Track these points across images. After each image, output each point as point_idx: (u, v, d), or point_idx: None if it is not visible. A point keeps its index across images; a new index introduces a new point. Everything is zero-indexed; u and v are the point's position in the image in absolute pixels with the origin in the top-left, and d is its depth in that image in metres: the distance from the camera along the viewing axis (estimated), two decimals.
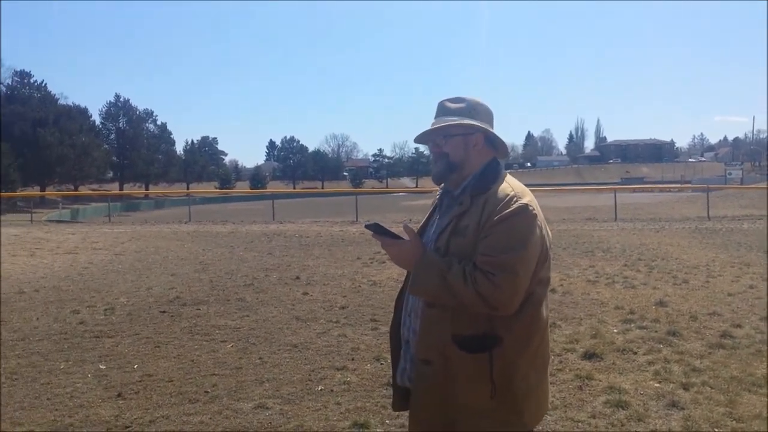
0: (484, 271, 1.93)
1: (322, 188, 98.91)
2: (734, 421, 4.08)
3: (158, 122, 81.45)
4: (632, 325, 6.75)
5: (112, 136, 74.60)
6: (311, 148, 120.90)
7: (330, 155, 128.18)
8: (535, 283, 2.04)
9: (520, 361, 2.03)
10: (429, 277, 2.01)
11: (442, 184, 2.26)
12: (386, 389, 4.73)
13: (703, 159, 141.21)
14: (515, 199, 2.02)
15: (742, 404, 4.37)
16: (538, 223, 2.03)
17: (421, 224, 2.32)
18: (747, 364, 5.30)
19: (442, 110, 2.20)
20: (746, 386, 4.73)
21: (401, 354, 2.25)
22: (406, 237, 2.12)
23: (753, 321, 6.81)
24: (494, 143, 2.21)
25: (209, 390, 4.87)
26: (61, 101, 63.49)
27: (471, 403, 2.03)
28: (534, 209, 2.03)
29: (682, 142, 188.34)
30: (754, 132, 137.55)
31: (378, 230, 2.11)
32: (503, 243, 1.96)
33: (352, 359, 5.67)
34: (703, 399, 4.50)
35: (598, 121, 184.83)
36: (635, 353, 5.70)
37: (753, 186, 44.62)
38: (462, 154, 2.16)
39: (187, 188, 79.45)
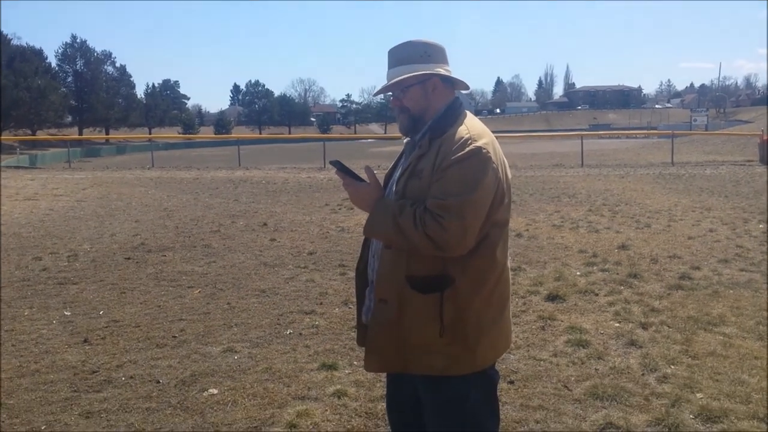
0: (434, 213, 1.94)
1: (289, 134, 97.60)
2: (690, 358, 4.23)
3: (117, 64, 78.86)
4: (595, 267, 6.90)
5: (70, 79, 71.74)
6: (277, 93, 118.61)
7: (297, 100, 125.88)
8: (489, 225, 2.04)
9: (473, 301, 2.06)
10: (382, 219, 2.03)
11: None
12: (354, 332, 4.77)
13: (670, 105, 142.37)
14: (470, 141, 2.01)
15: (697, 342, 4.53)
16: (493, 165, 2.01)
17: (388, 170, 2.32)
18: (704, 304, 5.48)
19: (395, 60, 2.17)
20: (702, 325, 4.90)
21: (366, 293, 2.28)
22: (367, 179, 2.15)
23: (711, 263, 7.02)
24: (451, 80, 2.20)
25: (177, 335, 4.87)
26: (15, 42, 60.88)
27: (422, 342, 2.07)
28: (488, 152, 2.01)
29: (650, 88, 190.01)
30: (720, 78, 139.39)
31: (341, 168, 2.14)
32: (454, 186, 1.95)
33: (321, 303, 5.71)
34: (660, 338, 4.65)
35: (567, 67, 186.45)
36: (597, 294, 5.85)
37: (717, 132, 45.36)
38: (423, 103, 2.16)
39: (149, 133, 77.54)
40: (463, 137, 2.02)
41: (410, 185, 2.07)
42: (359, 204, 2.14)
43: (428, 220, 1.93)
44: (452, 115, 2.13)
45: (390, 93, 2.23)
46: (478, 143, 2.01)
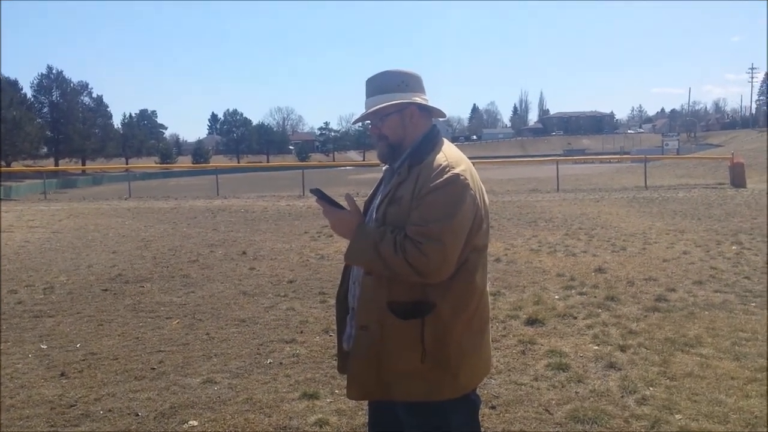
0: (414, 240, 1.98)
1: (268, 162, 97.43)
2: (668, 380, 4.28)
3: (94, 95, 78.29)
4: (573, 291, 6.97)
5: (45, 110, 71.05)
6: (255, 122, 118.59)
7: (275, 128, 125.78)
8: (468, 250, 2.08)
9: (454, 326, 2.09)
10: (363, 246, 2.06)
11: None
12: (335, 360, 4.76)
13: (642, 130, 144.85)
14: (448, 169, 2.06)
15: (675, 363, 4.59)
16: (470, 192, 2.06)
17: (368, 197, 2.36)
18: (680, 325, 5.56)
19: (373, 89, 2.22)
20: (679, 346, 4.96)
21: (347, 320, 2.30)
22: (347, 207, 2.17)
23: (686, 285, 7.13)
24: (428, 108, 2.25)
25: (156, 366, 4.81)
26: None
27: (403, 368, 2.09)
28: (466, 179, 2.07)
29: (622, 113, 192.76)
30: (690, 103, 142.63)
31: (321, 196, 2.18)
32: (433, 213, 1.99)
33: (301, 332, 5.68)
34: (639, 360, 4.70)
35: (542, 93, 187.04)
36: (575, 318, 5.90)
37: (689, 156, 46.22)
38: (400, 131, 2.21)
39: (126, 163, 76.97)
40: (441, 165, 2.07)
41: (390, 212, 2.10)
42: (340, 231, 2.17)
43: (408, 247, 1.97)
44: (430, 142, 2.18)
45: (368, 121, 2.27)
46: (456, 170, 2.06)
